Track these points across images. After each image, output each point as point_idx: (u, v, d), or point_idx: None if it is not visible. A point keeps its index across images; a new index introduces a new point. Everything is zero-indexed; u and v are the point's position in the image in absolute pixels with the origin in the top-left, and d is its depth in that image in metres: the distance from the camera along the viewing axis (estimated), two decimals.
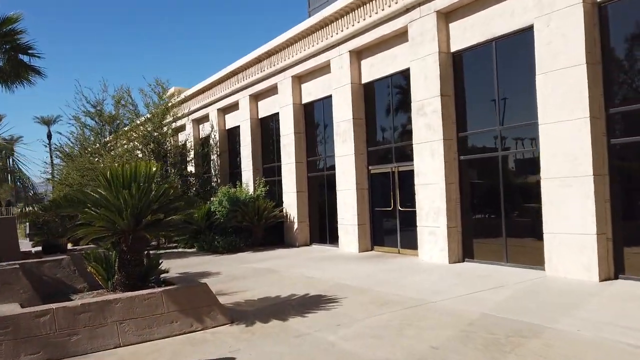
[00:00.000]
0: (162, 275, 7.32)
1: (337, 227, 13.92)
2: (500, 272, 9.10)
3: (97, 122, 23.87)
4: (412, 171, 11.48)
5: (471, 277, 8.78)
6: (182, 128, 23.72)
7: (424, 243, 10.92)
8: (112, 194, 6.20)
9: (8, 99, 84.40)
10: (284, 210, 16.07)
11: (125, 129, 19.50)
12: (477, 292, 7.55)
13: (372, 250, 13.17)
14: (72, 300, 6.02)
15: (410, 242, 11.88)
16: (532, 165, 9.23)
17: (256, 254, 14.26)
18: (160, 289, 6.28)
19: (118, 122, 20.22)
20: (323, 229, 15.23)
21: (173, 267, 12.31)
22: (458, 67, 10.68)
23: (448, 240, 10.35)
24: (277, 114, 16.71)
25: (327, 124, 14.80)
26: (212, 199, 17.78)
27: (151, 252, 15.64)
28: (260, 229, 15.81)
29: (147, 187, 6.34)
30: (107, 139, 23.93)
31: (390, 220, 12.78)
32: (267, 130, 18.12)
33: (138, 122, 19.48)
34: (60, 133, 30.31)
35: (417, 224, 11.10)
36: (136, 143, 19.35)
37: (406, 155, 12.24)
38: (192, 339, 5.89)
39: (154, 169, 6.72)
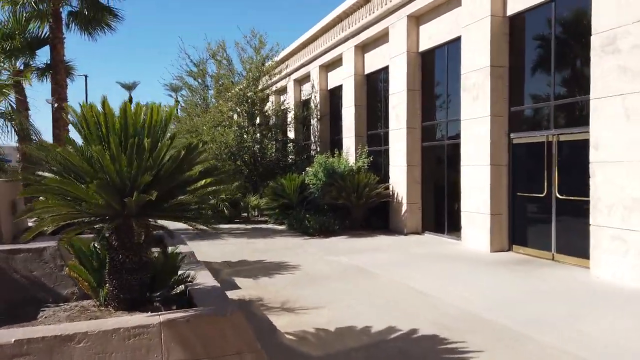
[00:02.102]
0: (191, 284, 4.73)
1: (459, 215, 10.48)
2: None
3: (200, 82, 22.69)
4: (584, 141, 7.63)
5: None
6: (283, 90, 21.53)
7: (601, 251, 7.12)
8: (77, 155, 3.66)
9: (95, 64, 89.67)
10: (390, 188, 12.94)
11: (221, 87, 17.65)
12: None
13: (509, 250, 9.55)
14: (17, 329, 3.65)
15: (574, 247, 8.11)
16: None
17: (352, 240, 11.41)
18: (159, 318, 3.67)
19: (222, 82, 18.39)
20: (440, 214, 11.85)
21: (248, 250, 9.99)
22: None
23: None
24: (387, 67, 13.43)
25: (451, 78, 11.20)
26: (307, 169, 15.28)
27: (236, 226, 13.52)
28: (360, 209, 12.91)
29: (143, 144, 3.69)
30: (209, 100, 22.59)
31: (540, 212, 9.04)
32: (373, 89, 14.94)
33: (232, 80, 17.51)
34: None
35: (591, 221, 7.31)
36: (231, 104, 17.46)
37: (574, 118, 8.33)
38: None
39: (163, 113, 4.07)
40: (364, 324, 5.15)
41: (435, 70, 12.08)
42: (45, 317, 3.95)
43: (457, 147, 10.74)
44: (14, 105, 6.99)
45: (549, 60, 8.81)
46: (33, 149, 3.78)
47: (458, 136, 10.69)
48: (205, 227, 4.23)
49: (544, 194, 8.74)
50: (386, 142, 13.68)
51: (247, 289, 6.81)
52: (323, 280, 7.30)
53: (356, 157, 14.27)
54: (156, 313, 3.84)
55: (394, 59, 12.71)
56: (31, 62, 12.85)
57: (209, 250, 9.99)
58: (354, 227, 12.89)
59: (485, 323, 5.18)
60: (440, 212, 11.80)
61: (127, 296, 4.08)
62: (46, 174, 3.99)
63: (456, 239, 10.78)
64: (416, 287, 6.74)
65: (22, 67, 12.73)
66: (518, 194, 9.46)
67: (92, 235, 3.85)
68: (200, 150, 4.23)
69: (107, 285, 4.12)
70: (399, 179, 12.58)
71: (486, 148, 9.54)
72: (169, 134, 4.17)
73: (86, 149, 3.85)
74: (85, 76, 49.84)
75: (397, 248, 10.23)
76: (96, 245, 4.34)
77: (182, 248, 6.75)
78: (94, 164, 3.74)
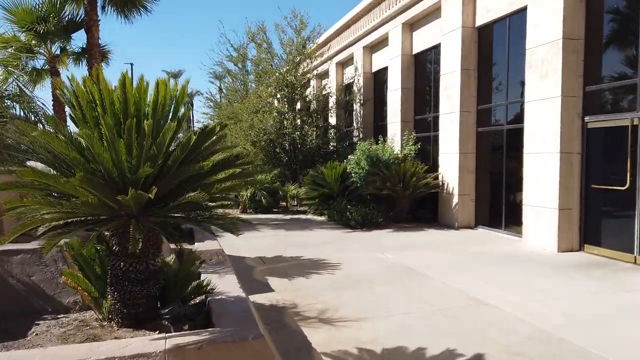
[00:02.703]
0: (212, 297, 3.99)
1: (520, 209, 9.33)
2: None
3: (240, 67, 22.13)
4: None
5: None
6: (325, 75, 20.63)
7: None
8: (64, 141, 2.93)
9: (141, 54, 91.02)
10: (440, 177, 11.86)
11: (260, 72, 16.94)
12: None
13: (580, 250, 8.36)
14: None
15: None
16: None
17: (397, 234, 10.48)
18: (164, 344, 2.95)
19: (261, 66, 17.65)
20: (496, 207, 10.71)
21: (285, 244, 9.27)
22: None
23: None
24: (437, 46, 12.26)
25: (513, 55, 9.96)
26: (349, 157, 14.40)
27: (274, 216, 12.75)
28: (406, 200, 11.92)
29: (143, 126, 2.93)
30: (249, 86, 22.07)
31: (621, 207, 7.79)
32: (421, 71, 13.79)
33: (272, 64, 16.77)
34: (201, 94, 29.50)
35: None
36: (271, 89, 16.75)
37: None
38: None
39: (175, 91, 3.30)
40: (417, 345, 4.27)
41: (494, 47, 10.83)
42: (36, 334, 3.32)
43: (518, 132, 9.54)
44: (22, 86, 6.53)
45: (635, 29, 7.47)
46: (13, 132, 3.10)
47: (520, 120, 9.49)
48: (223, 231, 3.46)
49: (626, 186, 7.47)
50: (435, 128, 12.57)
51: (281, 291, 6.07)
52: (366, 283, 6.45)
53: (402, 144, 13.24)
54: (162, 335, 3.12)
55: (446, 36, 11.53)
56: (67, 47, 12.55)
57: (242, 243, 9.35)
58: (399, 219, 11.93)
59: (573, 351, 4.18)
60: (497, 205, 10.65)
61: (132, 311, 3.38)
62: (37, 164, 3.33)
63: (515, 235, 9.64)
64: (477, 297, 5.77)
65: (58, 52, 12.45)
66: (593, 186, 8.21)
67: (91, 234, 3.15)
68: (218, 134, 3.44)
69: (109, 297, 3.45)
70: (450, 167, 11.48)
71: (555, 133, 8.32)
72: (180, 115, 3.40)
73: (82, 134, 3.13)
74: (131, 64, 50.69)
75: (448, 245, 9.22)
76: (98, 248, 3.67)
77: (209, 244, 6.06)
78: (85, 153, 3.02)
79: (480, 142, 11.16)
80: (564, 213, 8.31)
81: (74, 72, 13.91)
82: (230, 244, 8.69)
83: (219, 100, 26.11)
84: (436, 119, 12.49)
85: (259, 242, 9.54)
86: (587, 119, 8.25)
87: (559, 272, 6.99)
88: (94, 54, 11.37)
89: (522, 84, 9.34)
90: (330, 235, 10.40)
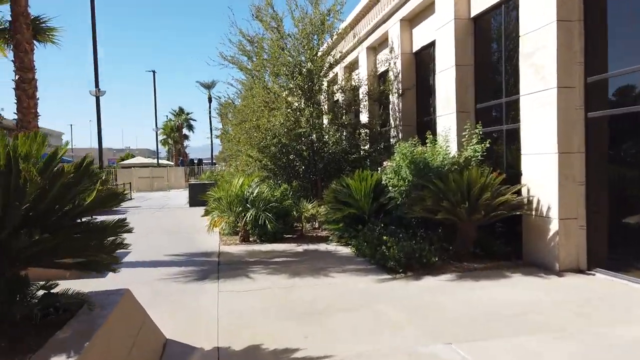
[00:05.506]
0: None
1: None
2: None
3: (255, 59, 18.61)
4: None
5: None
6: (353, 66, 16.84)
7: None
8: None
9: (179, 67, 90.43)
10: (525, 192, 7.78)
11: (265, 57, 13.26)
12: None
13: None
14: None
15: None
16: None
17: (464, 288, 6.45)
18: None
19: (268, 49, 13.80)
20: (626, 238, 6.54)
21: (278, 312, 5.48)
22: None
23: None
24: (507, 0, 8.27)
25: None
26: (385, 163, 10.53)
27: (283, 247, 9.05)
28: (473, 227, 7.88)
29: None
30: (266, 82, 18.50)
31: None
32: (485, 37, 9.76)
33: (283, 47, 13.05)
34: (218, 97, 26.21)
35: None
36: (282, 79, 13.08)
37: None
38: None
39: None
40: None
41: None
42: None
43: None
44: None
45: None
46: None
47: None
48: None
49: None
50: (512, 118, 8.53)
51: None
52: None
53: (461, 142, 9.24)
54: None
55: None
56: None
57: (207, 307, 5.66)
58: (462, 255, 7.88)
59: None
60: (627, 236, 6.48)
61: None
62: None
63: None
64: None
65: None
66: None
67: None
68: None
69: None
70: (542, 176, 7.40)
71: None
72: None
73: None
74: (153, 71, 48.83)
75: (561, 315, 5.15)
76: None
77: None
78: None
79: (593, 135, 7.03)
80: None
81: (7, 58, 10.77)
82: (184, 306, 5.02)
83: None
84: (512, 105, 8.45)
85: (236, 307, 5.79)
86: None
87: None
88: (19, 27, 8.01)
89: None
90: (356, 291, 6.51)
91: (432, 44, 11.29)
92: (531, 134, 7.61)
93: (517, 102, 8.17)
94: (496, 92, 9.25)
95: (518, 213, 7.72)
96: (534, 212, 7.57)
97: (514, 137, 8.47)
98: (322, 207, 10.93)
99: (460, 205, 7.37)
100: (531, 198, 7.62)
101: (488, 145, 8.54)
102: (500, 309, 5.45)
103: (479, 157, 8.51)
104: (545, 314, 5.25)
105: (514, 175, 8.10)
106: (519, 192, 7.79)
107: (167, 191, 35.24)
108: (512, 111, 8.56)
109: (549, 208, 7.26)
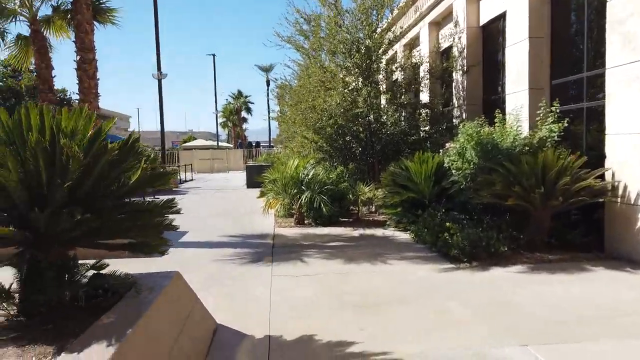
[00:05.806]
0: None
1: None
2: None
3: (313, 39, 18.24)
4: None
5: None
6: (414, 43, 16.05)
7: None
8: None
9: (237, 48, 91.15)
10: (610, 176, 6.96)
11: (322, 36, 12.84)
12: None
13: None
14: None
15: None
16: None
17: (537, 281, 5.85)
18: None
19: (325, 26, 13.36)
20: None
21: (331, 302, 5.18)
22: None
23: None
24: None
25: None
26: (447, 145, 9.92)
27: (338, 231, 8.72)
28: (548, 214, 7.16)
29: None
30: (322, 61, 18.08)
31: None
32: (562, 6, 8.81)
33: (340, 24, 12.57)
34: (275, 80, 25.98)
35: None
36: (340, 58, 12.64)
37: None
38: None
39: None
40: None
41: None
42: None
43: None
44: None
45: None
46: None
47: None
48: None
49: None
50: (593, 95, 7.64)
51: None
52: None
53: (534, 122, 8.44)
54: None
55: None
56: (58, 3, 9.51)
57: (260, 294, 5.46)
58: (535, 245, 7.20)
59: None
60: None
61: None
62: None
63: None
64: None
65: (48, 12, 9.46)
66: None
67: None
68: None
69: None
70: (631, 159, 6.56)
71: None
72: None
73: None
74: (213, 55, 49.66)
75: None
76: None
77: None
78: None
79: None
80: None
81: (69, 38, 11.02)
82: (233, 292, 4.86)
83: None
84: (594, 80, 7.56)
85: (289, 294, 5.55)
86: None
87: None
88: (80, 8, 8.10)
89: None
90: (415, 280, 6.08)
91: (502, 16, 10.44)
92: (618, 111, 6.75)
93: (600, 76, 7.29)
94: (575, 66, 8.34)
95: (601, 200, 6.92)
96: (619, 199, 6.75)
97: (596, 115, 7.60)
98: (379, 190, 10.49)
99: (534, 191, 6.69)
100: (617, 183, 6.79)
101: (566, 124, 7.72)
102: (580, 308, 4.85)
103: (555, 137, 7.72)
104: (635, 316, 4.60)
105: (595, 158, 7.26)
106: (602, 177, 6.98)
107: (226, 173, 36.01)
108: (594, 87, 7.68)
109: (638, 195, 6.44)
